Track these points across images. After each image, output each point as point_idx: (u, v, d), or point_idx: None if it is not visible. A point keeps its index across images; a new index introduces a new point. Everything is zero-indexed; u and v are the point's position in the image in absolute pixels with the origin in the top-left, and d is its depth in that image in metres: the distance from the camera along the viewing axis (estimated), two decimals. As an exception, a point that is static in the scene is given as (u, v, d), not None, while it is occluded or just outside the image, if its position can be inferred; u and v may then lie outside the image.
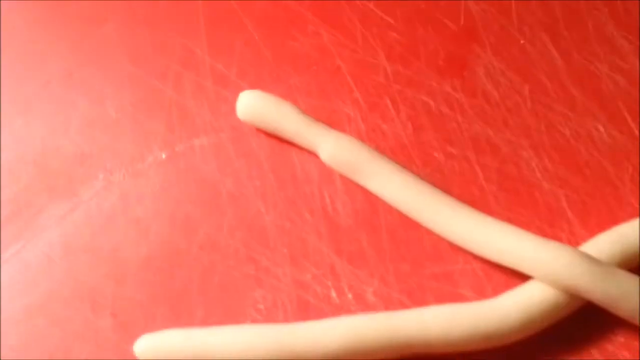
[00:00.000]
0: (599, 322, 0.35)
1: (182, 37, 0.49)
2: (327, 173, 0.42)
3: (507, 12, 0.48)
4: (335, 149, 0.41)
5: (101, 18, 0.51)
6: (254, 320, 0.38)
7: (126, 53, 0.49)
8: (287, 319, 0.38)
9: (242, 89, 0.46)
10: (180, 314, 0.39)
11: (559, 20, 0.47)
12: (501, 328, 0.34)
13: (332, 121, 0.44)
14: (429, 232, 0.39)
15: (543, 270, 0.34)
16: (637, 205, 0.39)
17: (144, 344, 0.37)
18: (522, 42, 0.46)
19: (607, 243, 0.35)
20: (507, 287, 0.36)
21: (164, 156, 0.44)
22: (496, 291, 0.37)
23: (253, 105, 0.43)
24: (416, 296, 0.38)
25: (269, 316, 0.38)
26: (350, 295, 0.38)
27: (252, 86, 0.46)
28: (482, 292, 0.37)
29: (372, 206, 0.41)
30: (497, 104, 0.44)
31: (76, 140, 0.46)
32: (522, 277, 0.36)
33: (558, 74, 0.44)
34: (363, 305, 0.38)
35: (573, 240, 0.38)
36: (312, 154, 0.43)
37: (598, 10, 0.46)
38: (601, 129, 0.42)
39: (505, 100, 0.44)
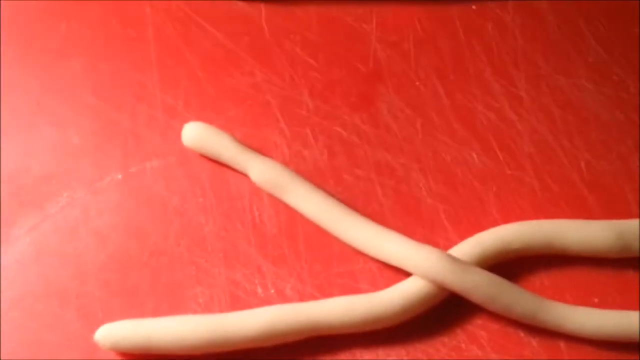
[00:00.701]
0: (463, 309, 0.45)
1: (137, 73, 0.56)
2: (256, 191, 0.51)
3: (407, 58, 0.57)
4: (263, 171, 0.50)
5: (67, 54, 0.57)
6: (194, 312, 0.46)
7: (88, 86, 0.56)
8: (221, 310, 0.46)
9: (187, 119, 0.54)
10: (133, 308, 0.47)
11: (448, 65, 0.56)
12: (387, 313, 0.44)
13: (262, 148, 0.53)
14: (336, 239, 0.48)
15: (419, 268, 0.44)
16: (498, 217, 0.49)
17: (103, 333, 0.44)
18: (417, 83, 0.55)
19: (469, 246, 0.45)
20: (396, 282, 0.46)
21: (120, 177, 0.52)
22: (387, 285, 0.46)
23: (196, 134, 0.52)
24: (325, 290, 0.47)
25: (207, 308, 0.47)
26: (272, 291, 0.47)
27: (197, 117, 0.54)
28: (376, 286, 0.46)
29: (292, 219, 0.50)
30: (395, 134, 0.53)
31: (44, 162, 0.53)
32: (406, 274, 0.46)
33: (444, 111, 0.54)
34: (282, 298, 0.47)
35: (447, 244, 0.47)
36: (245, 176, 0.51)
37: (479, 58, 0.56)
38: (475, 155, 0.52)
39: (402, 131, 0.53)
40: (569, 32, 0.56)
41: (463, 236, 0.48)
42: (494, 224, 0.48)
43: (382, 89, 0.55)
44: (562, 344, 0.43)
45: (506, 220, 0.48)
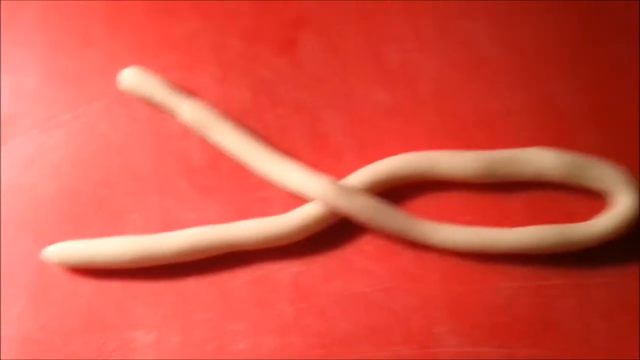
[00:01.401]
0: (354, 228, 0.53)
1: (85, 21, 0.62)
2: (185, 130, 0.58)
3: (329, 4, 0.61)
4: (190, 112, 0.56)
5: (22, 7, 0.63)
6: (131, 234, 0.55)
7: (40, 35, 0.62)
8: (154, 232, 0.54)
9: (129, 63, 0.59)
10: (80, 231, 0.55)
11: (366, 10, 0.61)
12: (288, 232, 0.52)
13: (194, 89, 0.59)
14: (253, 171, 0.56)
15: (313, 194, 0.51)
16: (397, 148, 0.54)
17: (50, 251, 0.53)
18: (337, 28, 0.60)
19: (362, 175, 0.52)
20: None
21: (69, 117, 0.59)
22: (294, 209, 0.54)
23: (131, 79, 0.58)
24: (242, 214, 0.54)
25: (142, 231, 0.54)
26: (198, 215, 0.55)
27: (137, 61, 0.60)
28: (286, 210, 0.54)
29: (217, 153, 0.56)
30: (314, 75, 0.58)
31: (3, 105, 0.60)
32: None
33: (358, 53, 0.59)
34: (206, 221, 0.54)
35: (350, 173, 0.54)
36: (176, 115, 0.58)
37: (393, 3, 0.61)
38: (382, 94, 0.57)
39: (320, 73, 0.58)
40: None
41: (364, 166, 0.54)
42: (393, 154, 0.54)
43: (305, 33, 0.60)
44: (433, 255, 0.51)
45: (403, 151, 0.54)
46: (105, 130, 0.58)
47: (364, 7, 0.61)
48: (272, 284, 0.52)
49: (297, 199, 0.54)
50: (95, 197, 0.56)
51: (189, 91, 0.59)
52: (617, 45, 0.56)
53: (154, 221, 0.55)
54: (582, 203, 0.52)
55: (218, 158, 0.56)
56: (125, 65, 0.59)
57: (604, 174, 0.50)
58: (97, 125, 0.59)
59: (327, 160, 0.56)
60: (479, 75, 0.57)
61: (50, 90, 0.60)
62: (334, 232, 0.53)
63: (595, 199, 0.52)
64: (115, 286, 0.53)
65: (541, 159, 0.51)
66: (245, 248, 0.52)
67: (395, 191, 0.53)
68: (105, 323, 0.52)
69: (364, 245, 0.52)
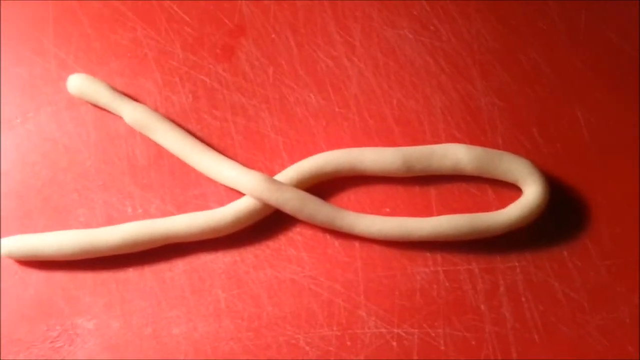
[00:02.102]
0: (285, 221, 0.57)
1: (35, 32, 0.66)
2: (130, 131, 0.61)
3: (267, 13, 0.66)
4: (133, 114, 0.60)
5: None
6: (77, 228, 0.58)
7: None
8: (98, 227, 0.58)
9: (76, 71, 0.64)
10: (28, 226, 0.58)
11: (300, 20, 0.66)
12: (222, 225, 0.55)
13: (138, 94, 0.63)
14: (193, 169, 0.59)
15: (246, 188, 0.55)
16: (325, 146, 0.60)
17: (1, 245, 0.56)
18: (273, 36, 0.65)
19: (292, 171, 0.57)
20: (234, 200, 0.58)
21: (19, 120, 0.63)
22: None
23: (78, 84, 0.62)
24: (182, 209, 0.58)
25: (87, 225, 0.58)
26: (140, 210, 0.59)
27: (84, 69, 0.64)
28: (222, 204, 0.58)
29: (159, 153, 0.60)
30: (250, 80, 0.63)
31: None
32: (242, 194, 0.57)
33: (292, 59, 0.64)
34: (147, 216, 0.58)
35: (281, 170, 0.58)
36: (121, 118, 0.62)
37: (326, 13, 0.66)
38: (312, 96, 0.62)
39: (256, 78, 0.63)
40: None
41: (294, 163, 0.58)
42: (321, 152, 0.59)
43: (244, 41, 0.65)
44: (356, 244, 0.56)
45: (330, 149, 0.59)
46: (53, 132, 0.62)
47: (297, 17, 0.65)
48: (207, 273, 0.56)
49: (232, 194, 0.58)
50: (42, 194, 0.60)
51: (133, 96, 0.63)
52: (529, 50, 0.61)
53: (99, 216, 0.59)
54: (494, 194, 0.57)
55: (160, 157, 0.60)
56: (72, 73, 0.63)
57: (513, 166, 0.55)
58: (45, 128, 0.62)
59: (261, 158, 0.60)
60: (401, 79, 0.61)
61: (2, 96, 0.63)
62: (266, 225, 0.57)
63: (506, 190, 0.56)
64: (61, 277, 0.57)
65: (455, 154, 0.55)
66: (183, 240, 0.56)
67: (323, 186, 0.57)
68: (51, 311, 0.56)
69: (294, 236, 0.56)
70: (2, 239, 0.57)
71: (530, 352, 0.52)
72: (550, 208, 0.55)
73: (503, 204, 0.56)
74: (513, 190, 0.56)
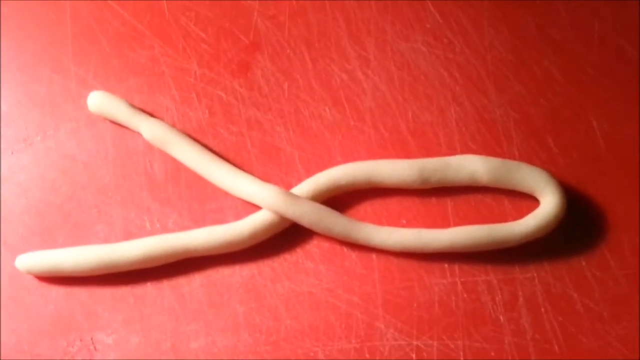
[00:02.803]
0: (302, 234, 0.57)
1: (54, 49, 0.66)
2: (148, 146, 0.62)
3: (282, 29, 0.67)
4: (152, 130, 0.61)
5: None
6: (96, 244, 0.59)
7: (12, 62, 0.67)
8: (117, 242, 0.59)
9: (95, 88, 0.65)
10: (47, 242, 0.59)
11: (314, 35, 0.66)
12: (240, 238, 0.56)
13: (155, 111, 0.64)
14: (210, 183, 0.60)
15: (263, 202, 0.56)
16: (340, 160, 0.60)
17: (21, 261, 0.57)
18: (288, 51, 0.65)
19: (308, 185, 0.57)
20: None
21: (39, 138, 0.64)
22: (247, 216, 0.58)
23: (97, 101, 0.63)
24: (199, 223, 0.59)
25: (106, 241, 0.59)
26: (158, 225, 0.59)
27: (103, 86, 0.65)
28: (239, 218, 0.58)
29: (177, 167, 0.61)
30: (266, 95, 0.64)
31: None
32: (260, 208, 0.58)
33: (307, 74, 0.64)
34: (165, 230, 0.59)
35: (297, 183, 0.58)
36: (139, 134, 0.63)
37: (340, 27, 0.67)
38: (327, 110, 0.62)
39: (271, 92, 0.63)
40: (413, 1, 0.66)
41: (311, 176, 0.59)
42: (337, 165, 0.59)
43: (259, 57, 0.65)
44: (373, 256, 0.56)
45: (346, 162, 0.59)
46: (73, 149, 0.63)
47: (311, 32, 0.66)
48: (225, 287, 0.56)
49: (249, 208, 0.58)
50: (62, 210, 0.60)
51: (151, 112, 0.63)
52: (542, 60, 0.61)
53: (117, 231, 0.59)
54: (510, 205, 0.57)
55: (177, 171, 0.61)
56: (91, 90, 0.64)
57: (530, 177, 0.55)
58: (65, 145, 0.63)
59: (277, 171, 0.60)
60: (415, 91, 0.62)
61: (22, 113, 0.65)
62: (283, 238, 0.57)
63: (522, 201, 0.56)
64: (80, 292, 0.57)
65: (472, 165, 0.55)
66: (200, 254, 0.56)
67: (339, 198, 0.58)
68: (71, 326, 0.56)
69: (312, 248, 0.57)
70: (23, 255, 0.57)
71: (551, 364, 0.51)
72: (568, 218, 0.54)
73: (520, 215, 0.55)
74: (529, 200, 0.56)
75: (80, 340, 0.55)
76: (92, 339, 0.55)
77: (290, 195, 0.55)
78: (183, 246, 0.56)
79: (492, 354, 0.52)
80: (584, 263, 0.54)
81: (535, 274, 0.54)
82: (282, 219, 0.56)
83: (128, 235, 0.59)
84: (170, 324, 0.55)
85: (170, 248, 0.56)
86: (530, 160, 0.57)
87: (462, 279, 0.54)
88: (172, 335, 0.55)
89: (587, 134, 0.58)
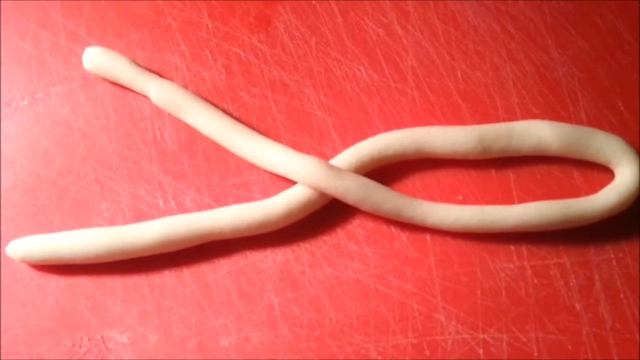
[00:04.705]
0: (342, 212, 0.50)
1: (39, 0, 0.58)
2: (157, 112, 0.54)
3: None
4: (161, 92, 0.52)
5: None
6: (100, 226, 0.50)
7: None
8: (125, 223, 0.50)
9: (89, 44, 0.56)
10: (42, 225, 0.51)
11: (343, -17, 0.58)
12: (272, 218, 0.48)
13: (163, 70, 0.55)
14: (232, 154, 0.52)
15: (299, 175, 0.48)
16: (381, 126, 0.52)
17: (12, 247, 0.48)
18: (313, 2, 0.57)
19: (349, 155, 0.49)
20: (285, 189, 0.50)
21: (26, 102, 0.55)
22: (277, 193, 0.50)
23: (95, 59, 0.54)
24: (221, 201, 0.51)
25: (112, 222, 0.51)
26: (173, 203, 0.51)
27: (99, 42, 0.56)
28: (267, 195, 0.50)
29: (191, 136, 0.53)
30: (290, 52, 0.56)
31: None
32: (293, 182, 0.50)
33: (337, 28, 0.56)
34: (182, 210, 0.51)
35: (333, 154, 0.51)
36: (146, 97, 0.54)
37: (372, -25, 0.58)
38: (363, 70, 0.55)
39: (297, 50, 0.56)
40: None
41: (348, 146, 0.51)
42: (377, 133, 0.51)
43: (280, 9, 0.57)
44: (427, 237, 0.48)
45: (388, 129, 0.52)
46: (67, 115, 0.54)
47: (341, -21, 0.57)
48: (257, 275, 0.49)
49: (278, 183, 0.51)
50: (57, 187, 0.52)
51: (158, 71, 0.55)
52: (605, 12, 0.54)
53: (125, 212, 0.51)
54: (581, 177, 0.50)
55: (192, 141, 0.53)
56: (84, 46, 0.55)
57: (605, 145, 0.48)
58: (57, 110, 0.54)
59: (308, 140, 0.53)
60: (464, 48, 0.54)
61: (4, 74, 0.56)
62: (321, 217, 0.50)
63: (595, 172, 0.50)
64: (85, 283, 0.49)
65: (539, 132, 0.48)
66: (225, 237, 0.48)
67: (382, 172, 0.50)
68: (76, 323, 0.48)
69: (354, 229, 0.49)
70: (15, 241, 0.49)
71: (633, 355, 0.45)
72: (645, 192, 0.48)
73: (592, 189, 0.49)
74: (602, 172, 0.49)
75: (89, 339, 0.47)
76: (102, 337, 0.47)
77: (332, 167, 0.47)
78: (206, 228, 0.48)
79: (569, 347, 0.45)
80: (663, 241, 0.48)
81: (612, 255, 0.48)
82: (321, 195, 0.48)
83: (139, 216, 0.51)
84: (195, 318, 0.47)
85: (190, 230, 0.48)
86: (599, 126, 0.51)
87: (531, 263, 0.48)
88: (198, 332, 0.47)
89: (661, 96, 0.52)
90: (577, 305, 0.46)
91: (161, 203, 0.51)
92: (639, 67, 0.53)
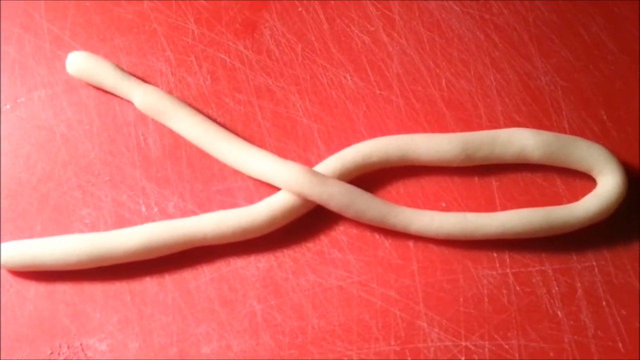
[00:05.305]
0: (326, 219, 0.49)
1: (23, 3, 0.57)
2: (141, 117, 0.53)
3: None
4: (145, 98, 0.52)
5: None
6: (81, 232, 0.50)
7: (-27, 19, 0.57)
8: (107, 229, 0.50)
9: (74, 48, 0.55)
10: (23, 230, 0.50)
11: (329, -10, 0.58)
12: (255, 224, 0.48)
13: (148, 75, 0.55)
14: (216, 160, 0.52)
15: (283, 182, 0.48)
16: (366, 133, 0.52)
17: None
18: (300, 9, 0.57)
19: (333, 162, 0.49)
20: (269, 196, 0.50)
21: (8, 107, 0.54)
22: (261, 200, 0.50)
23: (79, 63, 0.53)
24: (205, 207, 0.51)
25: (93, 228, 0.50)
26: (156, 209, 0.51)
27: (83, 46, 0.56)
28: (252, 201, 0.50)
29: (175, 142, 0.53)
30: (276, 59, 0.56)
31: None
32: (277, 189, 0.50)
33: (323, 35, 0.56)
34: (165, 216, 0.50)
35: (318, 161, 0.51)
36: (130, 102, 0.54)
37: (358, -17, 0.58)
38: (348, 77, 0.55)
39: (282, 56, 0.56)
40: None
41: (333, 152, 0.51)
42: (362, 140, 0.51)
43: (266, 15, 0.57)
44: (410, 244, 0.48)
45: (372, 136, 0.52)
46: (49, 120, 0.54)
47: (328, -15, 0.57)
48: (239, 281, 0.48)
49: (262, 189, 0.51)
50: (38, 193, 0.51)
51: (142, 76, 0.55)
52: (589, 23, 0.55)
53: (107, 218, 0.51)
54: (563, 185, 0.50)
55: (176, 146, 0.53)
56: (68, 51, 0.55)
57: (587, 153, 0.48)
58: (39, 115, 0.54)
59: (293, 147, 0.52)
60: (449, 56, 0.54)
61: (-14, 78, 0.55)
62: (305, 224, 0.49)
63: (577, 180, 0.50)
64: (65, 289, 0.48)
65: (522, 140, 0.48)
66: (209, 243, 0.48)
67: (366, 179, 0.50)
68: (55, 330, 0.47)
69: (338, 235, 0.49)
70: (-7, 247, 0.48)
71: (615, 364, 0.45)
72: (627, 199, 0.48)
73: (574, 196, 0.49)
74: (584, 180, 0.49)
75: (68, 347, 0.47)
76: (81, 344, 0.47)
77: (316, 174, 0.47)
78: (188, 234, 0.47)
79: (551, 354, 0.46)
80: (645, 249, 0.48)
81: (594, 263, 0.48)
82: (305, 201, 0.48)
83: (121, 222, 0.50)
84: (176, 326, 0.47)
85: (174, 236, 0.47)
86: (582, 134, 0.51)
87: (513, 270, 0.48)
88: (179, 339, 0.47)
89: (643, 105, 0.52)
90: (559, 313, 0.46)
91: (144, 209, 0.51)
92: (621, 77, 0.53)
